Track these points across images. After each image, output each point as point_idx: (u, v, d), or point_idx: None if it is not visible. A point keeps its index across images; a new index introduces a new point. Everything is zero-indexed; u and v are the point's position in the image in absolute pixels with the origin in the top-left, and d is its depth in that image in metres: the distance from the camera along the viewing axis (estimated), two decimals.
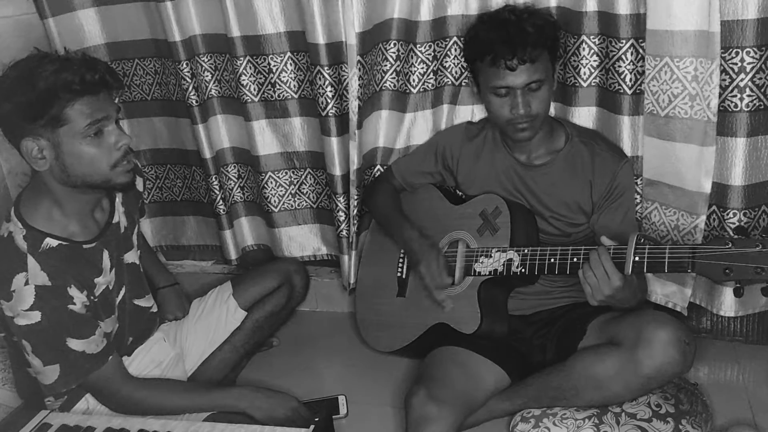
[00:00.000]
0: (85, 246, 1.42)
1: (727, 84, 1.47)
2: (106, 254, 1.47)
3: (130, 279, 1.57)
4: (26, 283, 1.32)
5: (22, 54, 1.82)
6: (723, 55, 1.44)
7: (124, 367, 1.50)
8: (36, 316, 1.32)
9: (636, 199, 1.71)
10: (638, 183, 1.71)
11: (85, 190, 1.39)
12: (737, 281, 1.29)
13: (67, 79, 1.27)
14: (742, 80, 1.45)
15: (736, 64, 1.44)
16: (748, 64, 1.43)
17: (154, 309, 1.69)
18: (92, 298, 1.41)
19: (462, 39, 1.74)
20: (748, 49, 1.42)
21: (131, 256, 1.58)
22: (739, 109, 1.47)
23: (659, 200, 1.65)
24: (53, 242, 1.36)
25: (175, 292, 1.82)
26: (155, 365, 1.63)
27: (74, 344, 1.37)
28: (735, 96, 1.47)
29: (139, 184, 1.66)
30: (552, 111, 1.78)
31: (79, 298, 1.37)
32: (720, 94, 1.47)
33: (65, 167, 1.33)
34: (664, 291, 1.72)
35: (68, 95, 1.27)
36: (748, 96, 1.45)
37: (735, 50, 1.43)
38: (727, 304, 1.64)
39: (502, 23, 1.53)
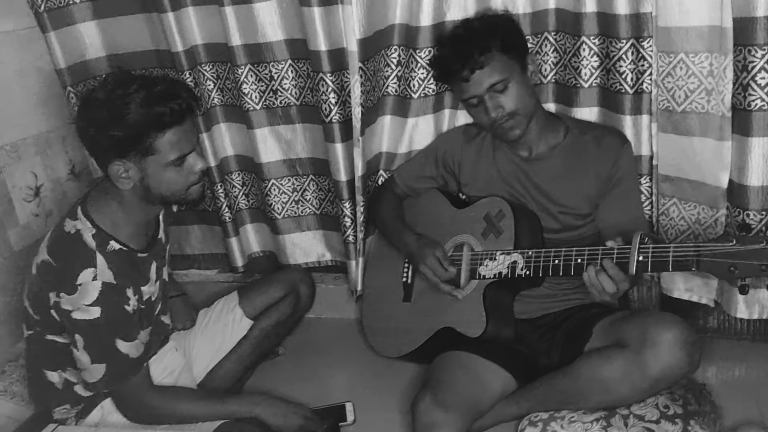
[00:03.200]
0: (139, 255, 1.46)
1: (732, 81, 1.46)
2: (154, 266, 1.51)
3: (162, 294, 1.60)
4: (94, 278, 1.35)
5: (24, 68, 1.83)
6: None
7: (150, 376, 1.52)
8: (95, 312, 1.35)
9: (641, 198, 1.71)
10: (641, 182, 1.70)
11: (156, 203, 1.44)
12: (742, 278, 1.28)
13: (156, 112, 1.30)
14: (744, 78, 1.44)
15: (740, 61, 1.43)
16: (750, 62, 1.42)
17: (171, 326, 1.72)
18: (140, 304, 1.45)
19: None
20: (750, 48, 1.41)
21: (165, 272, 1.61)
22: (742, 107, 1.46)
23: (678, 195, 1.65)
24: (116, 245, 1.40)
25: (184, 302, 1.83)
26: (167, 374, 1.64)
27: (121, 346, 1.40)
28: (740, 94, 1.46)
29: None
30: (552, 109, 1.78)
31: (132, 300, 1.41)
32: None
33: (148, 189, 1.38)
34: (687, 285, 1.72)
35: (158, 128, 1.32)
36: (750, 95, 1.44)
37: (738, 47, 1.43)
38: (739, 306, 1.63)
39: (449, 40, 1.61)
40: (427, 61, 1.77)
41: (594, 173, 1.62)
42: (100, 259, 1.37)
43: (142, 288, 1.46)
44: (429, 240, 1.70)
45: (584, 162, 1.63)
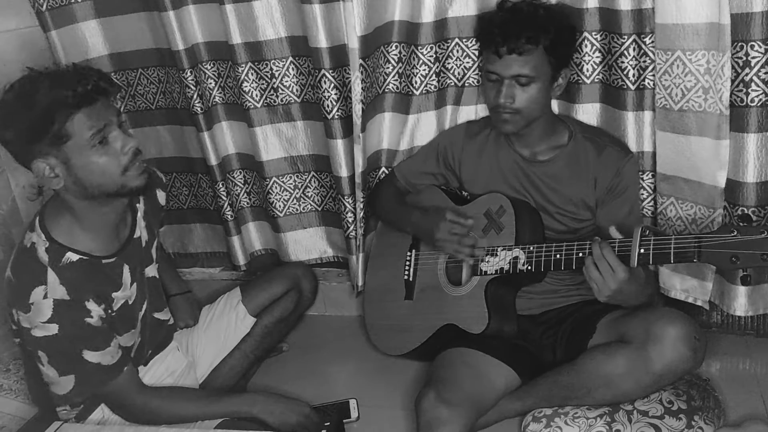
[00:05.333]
0: (104, 261, 1.42)
1: (733, 78, 1.45)
2: (126, 269, 1.47)
3: (150, 293, 1.57)
4: (45, 297, 1.32)
5: (23, 68, 1.82)
6: None
7: (139, 377, 1.51)
8: (53, 329, 1.32)
9: (642, 194, 1.71)
10: (643, 179, 1.70)
11: (104, 202, 1.38)
12: (744, 269, 1.28)
13: (61, 94, 1.26)
14: (747, 74, 1.43)
15: (741, 58, 1.43)
16: (753, 58, 1.41)
17: (171, 321, 1.70)
18: (109, 311, 1.41)
19: (464, 40, 1.76)
20: (752, 43, 1.41)
21: (151, 270, 1.59)
22: (744, 104, 1.46)
23: (675, 195, 1.65)
24: (74, 256, 1.37)
25: (187, 300, 1.83)
26: (169, 374, 1.64)
27: (90, 356, 1.37)
28: (741, 91, 1.46)
29: (162, 198, 1.67)
30: (555, 109, 1.77)
31: (96, 312, 1.37)
32: None
33: (79, 180, 1.33)
34: (683, 286, 1.71)
35: (65, 110, 1.27)
36: (754, 91, 1.44)
37: (740, 44, 1.42)
38: (739, 302, 1.62)
39: (508, 11, 1.55)
40: (429, 58, 1.77)
41: (593, 182, 1.62)
42: (51, 275, 1.33)
43: (114, 294, 1.42)
44: (436, 208, 1.68)
45: (584, 168, 1.62)
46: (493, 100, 1.57)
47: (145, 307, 1.55)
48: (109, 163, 1.33)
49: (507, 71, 1.52)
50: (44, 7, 1.91)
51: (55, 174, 1.31)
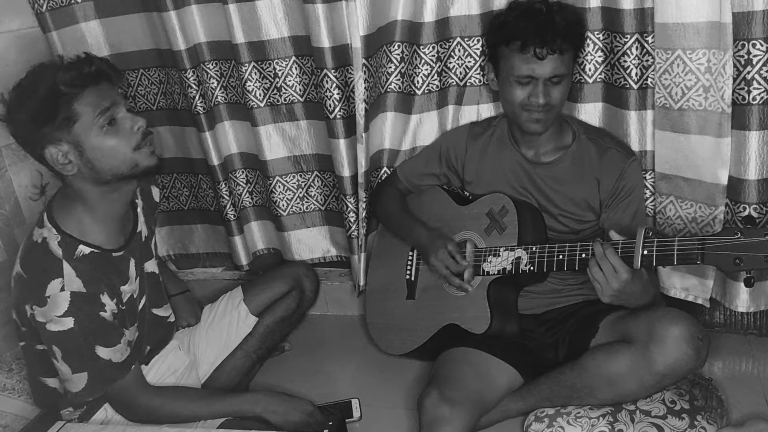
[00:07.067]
0: (114, 254, 1.43)
1: (734, 77, 1.46)
2: (132, 263, 1.48)
3: (150, 288, 1.58)
4: (62, 289, 1.32)
5: (29, 67, 1.83)
6: None
7: (143, 376, 1.51)
8: (69, 323, 1.33)
9: (645, 193, 1.71)
10: (647, 178, 1.70)
11: (115, 187, 1.39)
12: (748, 271, 1.28)
13: (66, 75, 1.28)
14: (749, 72, 1.43)
15: (743, 56, 1.43)
16: (755, 56, 1.41)
17: (172, 318, 1.70)
18: (120, 305, 1.42)
19: (465, 39, 1.75)
20: (754, 41, 1.41)
21: (151, 265, 1.59)
22: (746, 101, 1.46)
23: (675, 194, 1.65)
24: (86, 249, 1.37)
25: (187, 299, 1.83)
26: (171, 373, 1.64)
27: (102, 352, 1.38)
28: (742, 89, 1.46)
29: (156, 194, 1.67)
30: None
31: (109, 306, 1.38)
32: None
33: (92, 164, 1.34)
34: (683, 284, 1.71)
35: (71, 90, 1.29)
36: (755, 89, 1.44)
37: (741, 42, 1.42)
38: (741, 299, 1.63)
39: (533, 12, 1.53)
40: (431, 57, 1.77)
41: (595, 183, 1.62)
42: (67, 267, 1.34)
43: (123, 287, 1.43)
44: (440, 233, 1.69)
45: (587, 170, 1.63)
46: (529, 101, 1.55)
47: (143, 301, 1.55)
48: (119, 144, 1.35)
49: (544, 72, 1.51)
50: (44, 8, 1.91)
51: (68, 160, 1.33)
